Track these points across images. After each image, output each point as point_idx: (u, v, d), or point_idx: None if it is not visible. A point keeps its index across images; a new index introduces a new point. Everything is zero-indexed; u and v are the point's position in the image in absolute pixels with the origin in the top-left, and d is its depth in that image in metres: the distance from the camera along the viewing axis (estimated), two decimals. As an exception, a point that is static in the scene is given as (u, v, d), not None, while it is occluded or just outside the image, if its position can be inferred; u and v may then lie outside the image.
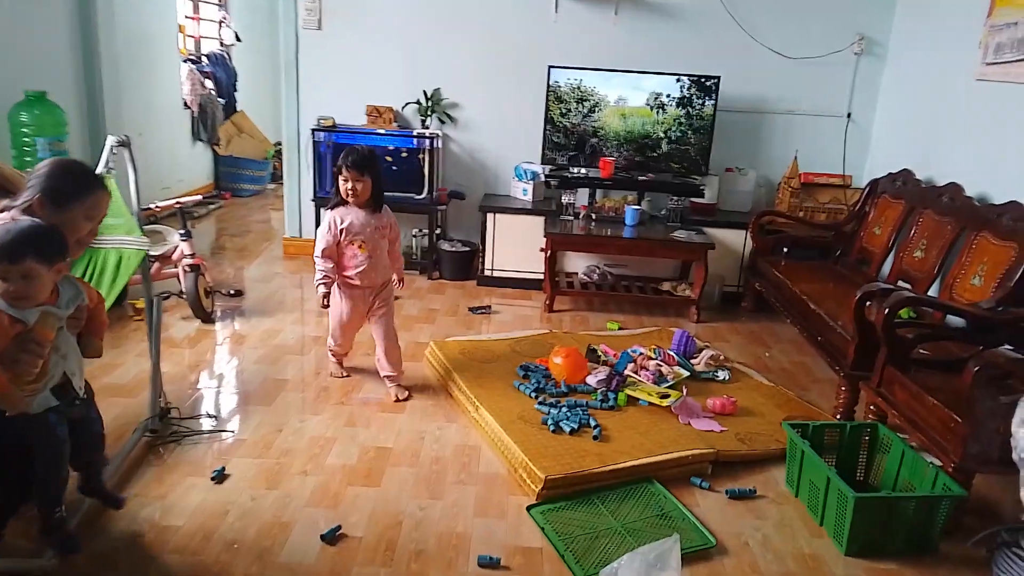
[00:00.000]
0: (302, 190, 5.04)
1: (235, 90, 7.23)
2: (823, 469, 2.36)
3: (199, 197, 4.03)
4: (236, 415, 2.94)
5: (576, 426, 2.75)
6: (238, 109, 7.29)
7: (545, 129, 4.60)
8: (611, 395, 3.02)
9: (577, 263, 4.74)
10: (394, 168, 4.74)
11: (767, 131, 4.86)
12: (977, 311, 2.85)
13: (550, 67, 4.51)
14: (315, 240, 3.14)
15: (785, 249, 4.47)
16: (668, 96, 4.50)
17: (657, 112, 4.53)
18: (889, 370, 2.82)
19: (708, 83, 4.47)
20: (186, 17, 6.63)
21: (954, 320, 3.20)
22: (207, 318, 3.81)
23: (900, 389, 2.74)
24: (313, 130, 4.66)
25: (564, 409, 2.89)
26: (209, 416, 2.88)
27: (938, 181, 3.88)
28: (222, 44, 7.32)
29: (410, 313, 4.18)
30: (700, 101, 4.49)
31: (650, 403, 3.01)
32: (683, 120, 4.54)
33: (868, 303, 2.96)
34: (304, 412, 2.98)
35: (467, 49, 4.79)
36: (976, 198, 3.51)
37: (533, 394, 3.03)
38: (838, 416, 3.12)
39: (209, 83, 6.91)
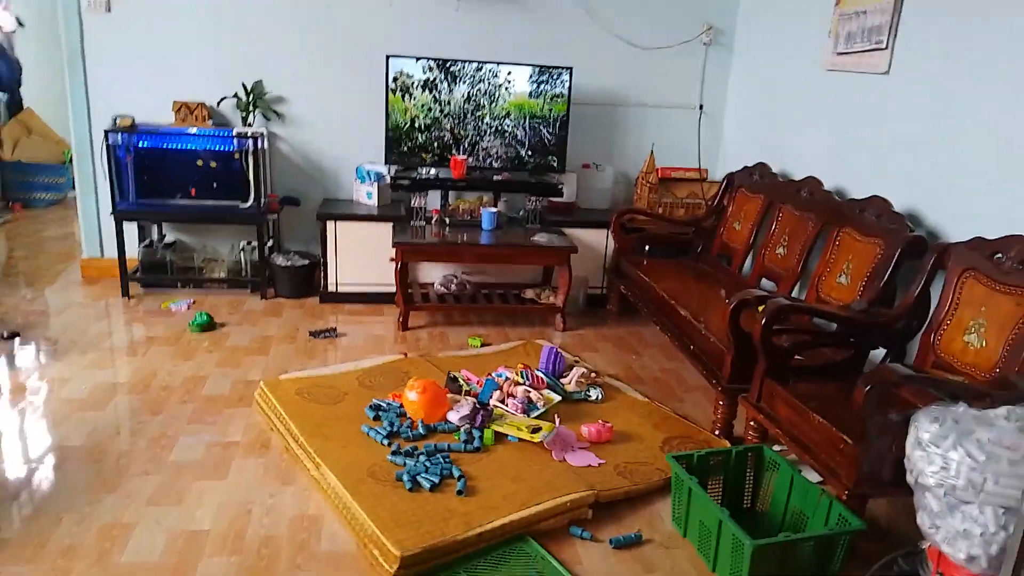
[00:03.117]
0: (100, 202, 4.27)
1: (19, 84, 6.17)
2: (714, 511, 2.11)
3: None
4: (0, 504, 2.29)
5: (437, 479, 2.35)
6: (25, 106, 6.23)
7: (387, 125, 4.13)
8: (476, 433, 2.64)
9: (432, 273, 4.32)
10: (212, 175, 4.11)
11: (622, 125, 4.66)
12: (850, 315, 2.72)
13: (388, 56, 4.04)
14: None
15: (647, 247, 4.29)
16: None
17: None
18: (768, 383, 2.63)
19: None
20: (-54, -4, 5.53)
21: (821, 321, 3.09)
22: (-28, 370, 3.06)
23: (782, 404, 2.56)
24: (107, 132, 3.92)
25: (423, 458, 2.48)
26: (-40, 511, 2.21)
27: (793, 174, 3.81)
28: (2, 31, 6.21)
29: (239, 343, 3.59)
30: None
31: (520, 439, 2.66)
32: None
33: (743, 310, 2.77)
34: (97, 490, 2.38)
35: (292, 35, 4.21)
36: (834, 192, 3.43)
37: (385, 441, 2.59)
38: (717, 432, 2.92)
39: (-15, 75, 5.84)
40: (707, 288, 3.74)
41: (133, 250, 4.22)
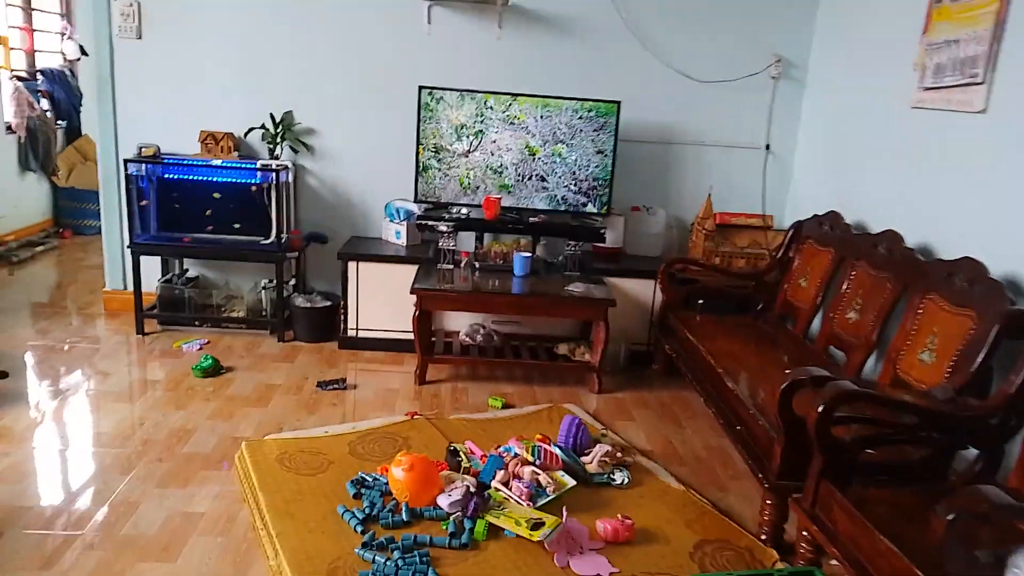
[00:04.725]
0: (124, 233, 4.12)
1: (77, 111, 6.23)
2: (742, 664, 1.64)
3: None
4: (-82, 580, 2.04)
5: (407, 586, 1.96)
6: (83, 133, 6.28)
7: (417, 160, 3.84)
8: (467, 524, 2.25)
9: (459, 320, 3.97)
10: (234, 209, 3.91)
11: (677, 164, 4.23)
12: (932, 405, 2.20)
13: (421, 88, 3.76)
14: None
15: (700, 301, 3.83)
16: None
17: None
18: (825, 485, 2.14)
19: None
20: (10, 27, 5.62)
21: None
22: (-49, 411, 2.88)
23: (840, 513, 2.06)
24: (126, 161, 3.78)
25: (397, 553, 2.10)
26: None
27: (870, 226, 3.30)
28: (65, 59, 6.33)
29: (240, 392, 3.31)
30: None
31: (518, 535, 2.24)
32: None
33: (797, 391, 2.29)
34: (33, 568, 2.10)
35: (324, 65, 4.00)
36: (917, 249, 2.91)
37: (360, 527, 2.22)
38: (763, 538, 2.42)
39: (45, 103, 5.92)
40: (764, 354, 3.24)
41: (155, 284, 4.06)
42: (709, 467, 2.96)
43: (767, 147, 4.19)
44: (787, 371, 2.94)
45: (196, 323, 4.04)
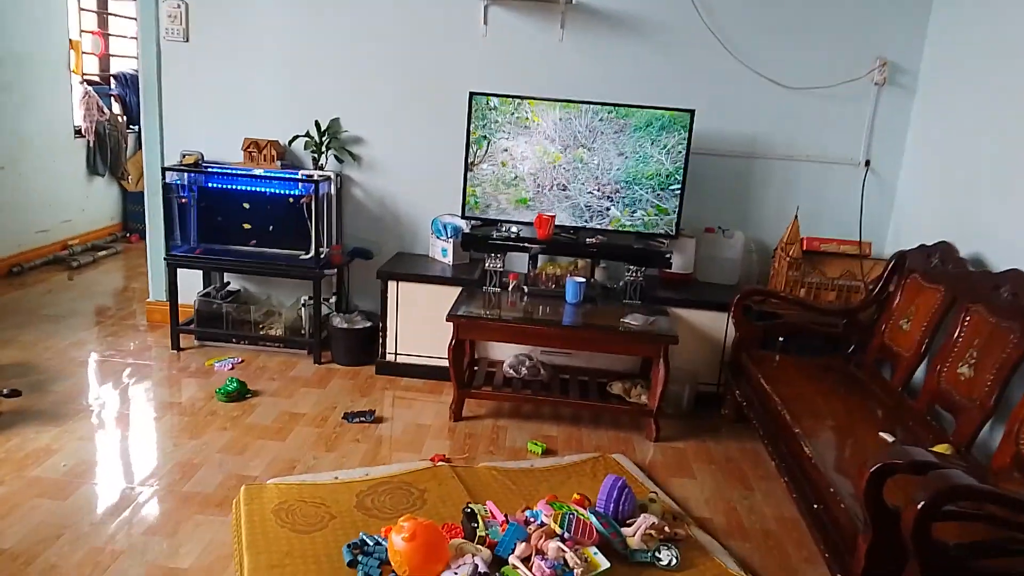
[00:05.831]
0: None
1: (149, 116, 6.24)
2: None
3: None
4: None
5: None
6: (155, 138, 6.29)
7: (465, 172, 3.52)
8: (471, 612, 1.89)
9: (505, 348, 3.62)
10: (275, 220, 3.71)
11: (760, 181, 3.75)
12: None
13: (471, 94, 3.44)
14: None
15: (781, 339, 3.36)
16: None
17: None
18: (924, 603, 1.67)
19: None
20: (82, 32, 5.66)
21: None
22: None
23: (944, 645, 1.59)
24: (164, 169, 3.63)
25: (381, 647, 1.76)
26: None
27: (990, 262, 2.76)
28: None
29: (260, 421, 3.07)
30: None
31: (531, 632, 1.87)
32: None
33: (891, 475, 1.82)
34: (-15, 623, 1.88)
35: (373, 69, 3.74)
36: (1052, 294, 2.37)
37: (346, 608, 1.90)
38: (840, 653, 1.95)
39: (117, 107, 5.95)
40: (853, 409, 2.74)
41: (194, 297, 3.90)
42: (779, 545, 2.49)
43: (866, 163, 3.65)
44: (881, 434, 2.47)
45: (233, 340, 3.85)
